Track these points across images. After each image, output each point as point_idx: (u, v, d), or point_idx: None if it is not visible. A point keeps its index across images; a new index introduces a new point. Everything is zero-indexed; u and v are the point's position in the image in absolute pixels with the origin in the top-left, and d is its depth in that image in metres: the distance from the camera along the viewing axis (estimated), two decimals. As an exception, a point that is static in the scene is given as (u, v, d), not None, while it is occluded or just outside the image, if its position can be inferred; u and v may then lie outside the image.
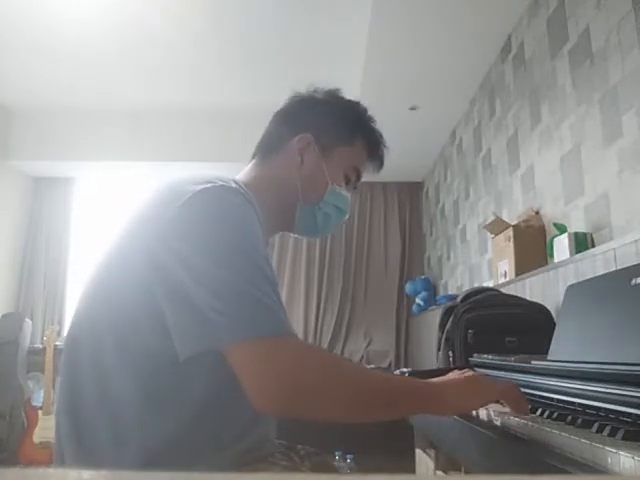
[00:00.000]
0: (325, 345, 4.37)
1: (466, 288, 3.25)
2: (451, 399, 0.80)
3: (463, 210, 3.56)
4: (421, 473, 1.94)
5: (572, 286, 1.12)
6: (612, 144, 1.72)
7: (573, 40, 2.00)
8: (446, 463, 1.75)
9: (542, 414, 0.82)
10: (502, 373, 1.14)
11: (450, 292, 3.76)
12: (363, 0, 2.61)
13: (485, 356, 1.30)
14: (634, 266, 0.95)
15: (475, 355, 1.37)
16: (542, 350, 1.10)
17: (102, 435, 0.72)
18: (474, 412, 0.96)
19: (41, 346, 3.86)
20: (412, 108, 3.54)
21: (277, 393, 0.68)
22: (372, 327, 4.54)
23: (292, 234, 1.07)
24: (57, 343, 3.60)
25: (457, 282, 3.69)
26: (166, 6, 2.93)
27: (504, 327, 1.55)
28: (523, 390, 0.90)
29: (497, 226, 2.38)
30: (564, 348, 1.01)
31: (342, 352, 4.38)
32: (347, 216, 1.06)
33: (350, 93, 1.07)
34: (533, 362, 1.02)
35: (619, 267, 1.38)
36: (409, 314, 4.55)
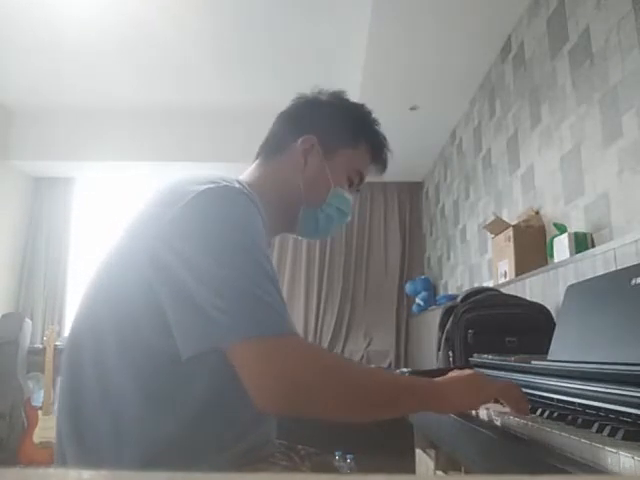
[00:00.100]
0: (325, 345, 4.37)
1: (466, 288, 3.25)
2: (451, 397, 0.80)
3: (463, 210, 3.56)
4: (421, 473, 1.94)
5: (572, 286, 1.12)
6: (612, 144, 1.72)
7: (573, 40, 2.00)
8: (446, 463, 1.75)
9: (542, 414, 0.83)
10: (502, 373, 1.14)
11: (450, 292, 3.76)
12: (363, 0, 2.61)
13: (485, 356, 1.30)
14: (634, 266, 0.95)
15: (475, 355, 1.37)
16: (542, 350, 1.11)
17: (103, 434, 0.72)
18: (474, 412, 0.96)
19: (41, 346, 3.86)
20: (412, 108, 3.54)
21: (279, 392, 0.68)
22: (372, 327, 4.54)
23: (293, 235, 1.07)
24: (57, 343, 3.60)
25: (457, 282, 3.69)
26: (166, 6, 2.93)
27: (504, 327, 1.55)
28: (523, 390, 0.90)
29: (497, 226, 2.38)
30: (564, 348, 1.01)
31: (342, 352, 4.38)
32: (349, 218, 1.06)
33: (350, 93, 1.07)
34: (533, 362, 1.02)
35: (619, 267, 1.38)
36: (409, 314, 4.55)
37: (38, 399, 3.52)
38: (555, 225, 1.98)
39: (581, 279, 1.38)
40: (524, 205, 2.47)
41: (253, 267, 0.71)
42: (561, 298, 1.16)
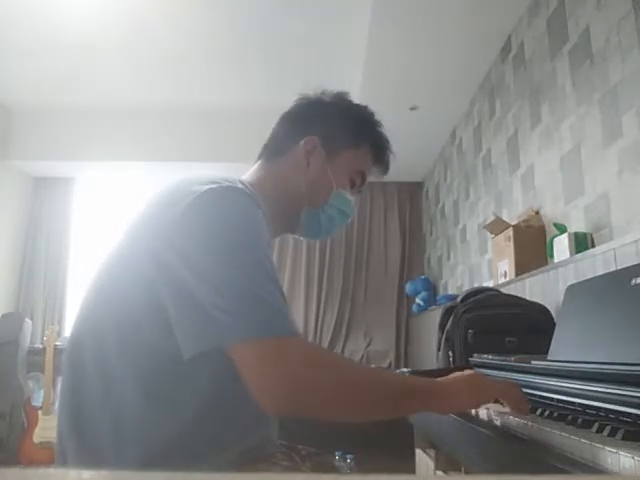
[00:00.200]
0: (325, 345, 4.37)
1: (466, 288, 3.25)
2: (451, 397, 0.80)
3: (463, 210, 3.56)
4: (421, 473, 1.94)
5: (572, 286, 1.13)
6: (612, 144, 1.72)
7: (573, 40, 2.00)
8: (446, 463, 1.75)
9: (542, 414, 0.83)
10: (502, 373, 1.14)
11: (450, 292, 3.76)
12: (363, 0, 2.61)
13: (485, 356, 1.30)
14: (634, 266, 0.95)
15: (475, 355, 1.37)
16: (542, 350, 1.11)
17: (104, 434, 0.72)
18: (474, 412, 0.96)
19: (41, 346, 3.85)
20: (412, 108, 3.54)
21: (281, 393, 0.68)
22: (372, 327, 4.54)
23: (294, 236, 1.07)
24: (57, 343, 3.60)
25: (457, 282, 3.69)
26: (166, 6, 2.93)
27: (504, 327, 1.55)
28: (523, 390, 0.90)
29: (497, 226, 2.38)
30: (564, 348, 1.02)
31: (342, 352, 4.38)
32: (350, 219, 1.06)
33: (350, 93, 1.07)
34: (533, 362, 1.02)
35: (619, 267, 1.38)
36: (409, 314, 4.55)
37: (38, 399, 3.52)
38: (555, 225, 1.98)
39: (581, 279, 1.38)
40: (524, 205, 2.48)
41: (255, 267, 0.71)
42: (561, 298, 1.16)
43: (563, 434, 0.66)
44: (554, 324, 1.18)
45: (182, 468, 0.25)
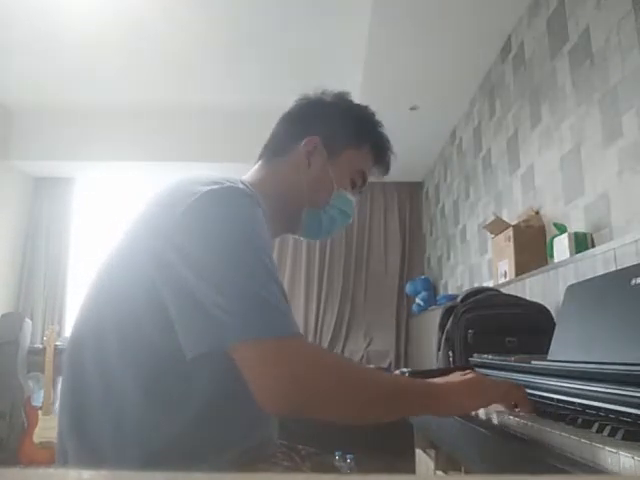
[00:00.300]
0: (325, 345, 4.37)
1: (466, 288, 3.25)
2: (454, 400, 0.80)
3: (463, 210, 3.56)
4: (421, 473, 1.94)
5: (572, 286, 1.13)
6: (612, 144, 1.72)
7: (573, 40, 2.00)
8: (446, 463, 1.75)
9: (542, 414, 0.83)
10: (502, 373, 1.14)
11: (450, 292, 3.76)
12: (363, 0, 2.61)
13: (485, 356, 1.30)
14: (634, 266, 0.95)
15: (475, 355, 1.37)
16: (542, 350, 1.11)
17: (104, 434, 0.72)
18: (474, 412, 0.96)
19: (41, 346, 3.85)
20: (412, 108, 3.54)
21: (282, 393, 0.68)
22: (372, 327, 4.54)
23: (294, 236, 1.07)
24: (57, 343, 3.60)
25: (457, 282, 3.69)
26: (167, 6, 2.93)
27: (504, 327, 1.55)
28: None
29: (497, 226, 2.38)
30: (564, 348, 1.02)
31: (342, 352, 4.38)
32: (351, 219, 1.06)
33: (350, 93, 1.07)
34: (533, 362, 1.02)
35: (619, 267, 1.38)
36: (409, 314, 4.55)
37: (38, 399, 3.52)
38: (555, 225, 1.98)
39: (581, 279, 1.38)
40: (524, 205, 2.48)
41: (256, 267, 0.71)
42: (561, 298, 1.16)
43: (563, 434, 0.66)
44: (554, 324, 1.18)
45: (182, 468, 0.25)
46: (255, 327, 0.68)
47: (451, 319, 1.64)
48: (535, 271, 1.95)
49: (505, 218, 2.51)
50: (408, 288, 4.40)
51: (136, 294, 0.73)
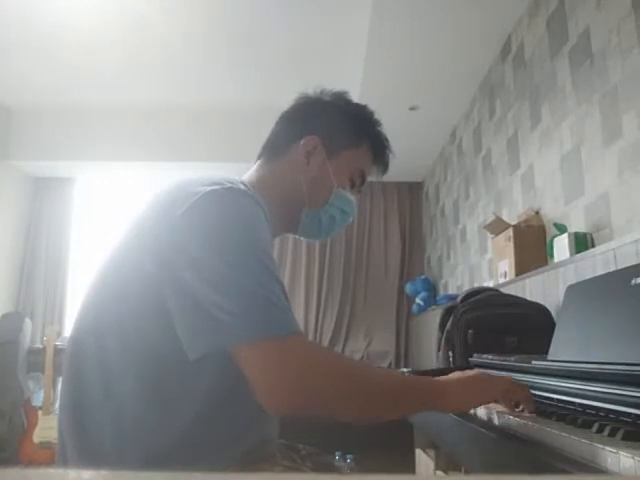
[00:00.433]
0: (325, 345, 4.37)
1: (466, 288, 3.25)
2: (455, 397, 0.81)
3: (463, 210, 3.56)
4: (421, 473, 1.94)
5: (572, 286, 1.13)
6: (612, 144, 1.72)
7: (573, 40, 2.00)
8: (446, 463, 1.75)
9: (542, 414, 0.83)
10: (502, 373, 1.14)
11: (450, 292, 3.76)
12: (363, 0, 2.61)
13: (485, 356, 1.30)
14: (634, 266, 0.95)
15: (475, 355, 1.37)
16: (542, 350, 1.11)
17: (105, 434, 0.72)
18: (473, 412, 0.96)
19: (41, 346, 3.85)
20: (412, 108, 3.54)
21: (285, 392, 0.68)
22: (372, 327, 4.54)
23: (294, 236, 1.07)
24: (57, 343, 3.60)
25: (457, 282, 3.69)
26: (167, 5, 2.93)
27: (504, 327, 1.55)
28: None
29: (497, 226, 2.38)
30: (564, 348, 1.02)
31: (342, 352, 4.38)
32: (351, 219, 1.06)
33: (350, 93, 1.07)
34: (533, 362, 1.02)
35: (619, 267, 1.38)
36: (409, 314, 4.55)
37: (38, 399, 3.52)
38: (555, 225, 1.98)
39: (581, 279, 1.38)
40: (524, 205, 2.48)
41: (258, 267, 0.71)
42: (561, 298, 1.16)
43: (563, 434, 0.66)
44: (554, 324, 1.18)
45: (183, 468, 0.25)
46: (256, 326, 0.68)
47: (451, 319, 1.64)
48: (535, 271, 1.95)
49: (505, 218, 2.51)
50: (408, 288, 4.40)
51: (136, 294, 0.73)
